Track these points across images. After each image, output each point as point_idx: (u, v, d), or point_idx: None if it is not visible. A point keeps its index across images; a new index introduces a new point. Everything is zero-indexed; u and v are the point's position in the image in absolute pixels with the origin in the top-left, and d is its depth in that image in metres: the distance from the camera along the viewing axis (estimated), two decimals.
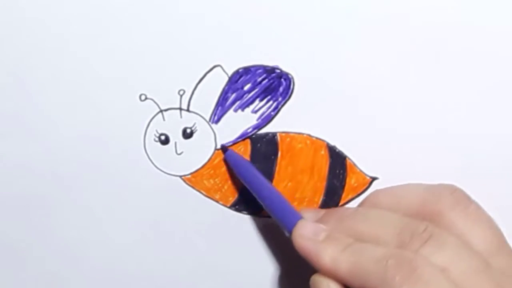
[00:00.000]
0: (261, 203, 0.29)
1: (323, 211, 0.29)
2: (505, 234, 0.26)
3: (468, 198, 0.26)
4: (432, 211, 0.26)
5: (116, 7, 0.29)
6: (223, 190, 0.31)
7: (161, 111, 0.30)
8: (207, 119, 0.30)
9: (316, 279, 0.25)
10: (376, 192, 0.30)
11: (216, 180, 0.31)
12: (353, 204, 0.31)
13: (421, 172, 0.30)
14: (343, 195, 0.31)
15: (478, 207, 0.26)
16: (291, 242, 0.27)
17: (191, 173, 0.31)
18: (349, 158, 0.31)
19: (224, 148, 0.31)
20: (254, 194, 0.29)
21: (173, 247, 0.32)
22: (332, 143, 0.31)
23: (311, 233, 0.26)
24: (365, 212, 0.27)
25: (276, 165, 0.31)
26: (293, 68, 0.30)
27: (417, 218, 0.25)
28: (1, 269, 0.33)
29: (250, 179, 0.30)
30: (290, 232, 0.27)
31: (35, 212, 0.32)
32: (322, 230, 0.26)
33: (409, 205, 0.27)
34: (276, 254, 0.32)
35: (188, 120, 0.30)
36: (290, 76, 0.30)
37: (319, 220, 0.28)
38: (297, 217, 0.27)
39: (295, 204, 0.31)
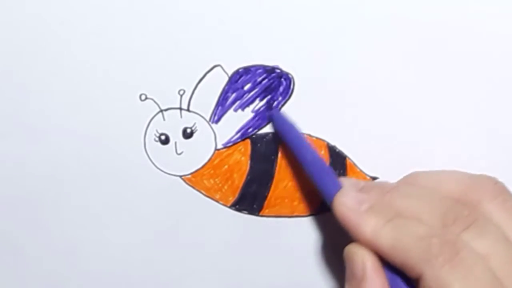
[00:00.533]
0: (303, 167, 0.28)
1: (362, 182, 0.28)
2: None
3: (508, 192, 0.26)
4: (472, 199, 0.25)
5: (116, 7, 0.29)
6: (223, 190, 0.31)
7: (161, 111, 0.30)
8: (207, 119, 0.30)
9: (352, 250, 0.25)
10: (415, 173, 0.28)
11: (216, 180, 0.31)
12: None
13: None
14: None
15: None
16: (332, 209, 0.26)
17: (191, 173, 0.31)
18: (349, 158, 0.31)
19: (270, 105, 0.30)
20: (296, 157, 0.29)
21: (173, 247, 0.32)
22: (332, 143, 0.31)
23: (353, 202, 0.25)
24: (408, 189, 0.27)
25: (276, 165, 0.31)
26: (293, 68, 0.30)
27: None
28: (1, 269, 0.33)
29: (294, 142, 0.29)
30: (331, 199, 0.26)
31: (35, 212, 0.32)
32: (365, 201, 0.26)
33: (450, 190, 0.26)
34: (276, 254, 0.32)
35: (188, 120, 0.30)
36: (290, 76, 0.30)
37: (359, 191, 0.27)
38: (338, 186, 0.27)
39: (295, 203, 0.31)
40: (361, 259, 0.24)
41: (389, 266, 0.24)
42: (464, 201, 0.25)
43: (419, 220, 0.24)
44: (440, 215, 0.24)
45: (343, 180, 0.28)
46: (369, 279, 0.24)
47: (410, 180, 0.28)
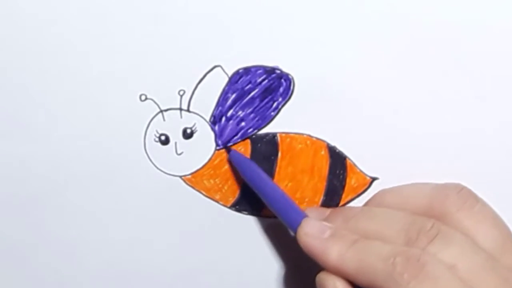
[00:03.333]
0: (266, 202, 0.29)
1: (328, 210, 0.29)
2: None
3: (474, 196, 0.26)
4: (439, 211, 0.26)
5: (116, 7, 0.29)
6: (223, 190, 0.31)
7: (161, 111, 0.30)
8: (207, 119, 0.30)
9: (322, 277, 0.25)
10: (382, 191, 0.29)
11: (216, 180, 0.31)
12: (355, 204, 0.31)
13: (421, 172, 0.30)
14: (343, 196, 0.31)
15: (484, 205, 0.26)
16: (297, 240, 0.27)
17: (191, 173, 0.31)
18: (349, 158, 0.31)
19: (227, 148, 0.31)
20: (258, 194, 0.29)
21: (173, 247, 0.32)
22: (332, 143, 0.31)
23: (316, 231, 0.26)
24: (371, 211, 0.27)
25: (276, 165, 0.31)
26: (293, 68, 0.30)
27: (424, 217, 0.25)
28: (1, 269, 0.33)
29: (254, 179, 0.29)
30: (295, 230, 0.27)
31: (35, 211, 0.32)
32: (327, 228, 0.26)
33: (416, 204, 0.27)
34: (276, 254, 0.32)
35: (188, 120, 0.30)
36: (290, 77, 0.30)
37: (325, 219, 0.28)
38: (302, 216, 0.27)
39: None
40: (332, 286, 0.25)
41: None
42: (431, 214, 0.26)
43: (383, 240, 0.25)
44: (403, 232, 0.25)
45: (308, 210, 0.29)
46: None
47: (377, 199, 0.29)
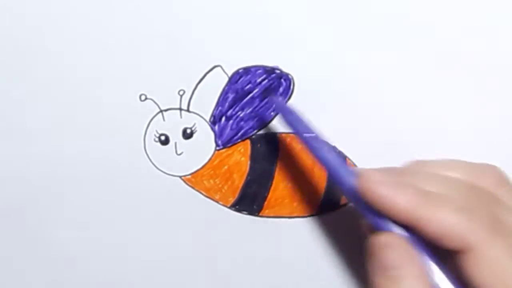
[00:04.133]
0: (316, 158, 0.27)
1: (377, 169, 0.26)
2: None
3: (509, 179, 0.26)
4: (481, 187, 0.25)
5: (116, 7, 0.29)
6: (223, 190, 0.31)
7: (161, 111, 0.30)
8: (207, 119, 0.30)
9: (379, 240, 0.23)
10: (421, 161, 0.27)
11: (216, 180, 0.31)
12: (352, 205, 0.31)
13: None
14: (343, 196, 0.31)
15: None
16: (357, 189, 0.24)
17: (191, 174, 0.31)
18: (349, 158, 0.31)
19: (270, 96, 0.30)
20: (308, 147, 0.27)
21: (173, 247, 0.32)
22: (332, 143, 0.31)
23: (381, 177, 0.24)
24: (426, 173, 0.25)
25: (276, 165, 0.31)
26: (293, 68, 0.30)
27: None
28: (1, 269, 0.33)
29: (306, 132, 0.27)
30: (350, 183, 0.24)
31: (35, 211, 0.32)
32: (393, 176, 0.24)
33: (458, 177, 0.25)
34: (276, 254, 0.32)
35: (188, 120, 0.30)
36: (290, 77, 0.30)
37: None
38: (351, 171, 0.25)
39: (295, 204, 0.31)
40: (392, 246, 0.23)
41: (421, 246, 0.23)
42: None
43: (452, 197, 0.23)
44: (464, 195, 0.24)
45: (357, 168, 0.27)
46: (406, 265, 0.23)
47: (417, 167, 0.27)
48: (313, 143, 0.27)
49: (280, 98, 0.30)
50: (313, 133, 0.27)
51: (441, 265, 0.23)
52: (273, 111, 0.30)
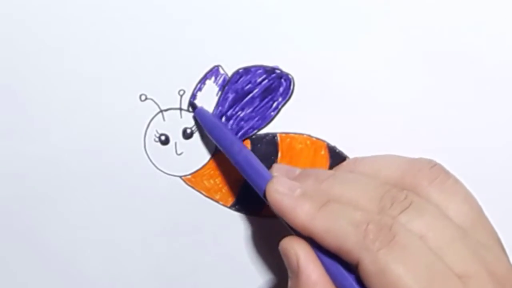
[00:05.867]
0: (233, 163, 0.28)
1: (297, 170, 0.28)
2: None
3: (446, 172, 0.26)
4: (410, 184, 0.25)
5: (116, 7, 0.29)
6: (223, 190, 0.31)
7: (161, 111, 0.30)
8: None
9: (284, 245, 0.25)
10: (354, 159, 0.28)
11: (216, 180, 0.31)
12: None
13: None
14: None
15: (456, 181, 0.26)
16: (265, 197, 0.25)
17: (191, 174, 0.31)
18: (349, 158, 0.31)
19: (193, 105, 0.30)
20: (225, 154, 0.29)
21: (173, 247, 0.32)
22: (332, 143, 0.31)
23: (287, 189, 0.25)
24: (344, 176, 0.26)
25: None
26: (293, 68, 0.30)
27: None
28: (1, 269, 0.33)
29: (221, 138, 0.29)
30: (263, 190, 0.26)
31: (35, 211, 0.32)
32: (298, 187, 0.25)
33: (388, 175, 0.26)
34: (276, 254, 0.32)
35: (188, 120, 0.30)
36: (290, 77, 0.30)
37: (294, 179, 0.27)
38: (269, 176, 0.26)
39: None
40: (294, 252, 0.24)
41: (327, 253, 0.24)
42: (402, 186, 0.25)
43: (356, 206, 0.24)
44: (377, 200, 0.24)
45: (276, 168, 0.28)
46: (304, 272, 0.24)
47: (349, 167, 0.28)
48: (231, 146, 0.28)
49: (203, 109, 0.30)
50: (231, 136, 0.29)
51: (348, 271, 0.23)
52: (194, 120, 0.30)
